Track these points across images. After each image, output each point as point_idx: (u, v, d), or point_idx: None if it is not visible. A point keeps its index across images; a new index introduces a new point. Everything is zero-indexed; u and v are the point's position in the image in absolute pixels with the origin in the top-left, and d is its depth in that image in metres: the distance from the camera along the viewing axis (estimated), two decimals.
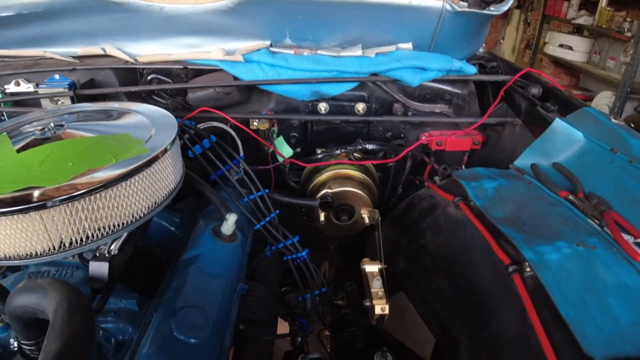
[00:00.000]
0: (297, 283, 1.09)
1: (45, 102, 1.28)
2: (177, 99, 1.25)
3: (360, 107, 1.26)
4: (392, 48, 1.21)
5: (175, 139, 0.86)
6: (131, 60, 1.23)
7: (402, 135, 1.32)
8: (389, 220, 1.29)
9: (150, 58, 1.22)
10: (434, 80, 1.24)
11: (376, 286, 1.04)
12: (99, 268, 0.75)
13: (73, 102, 1.23)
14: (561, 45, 4.79)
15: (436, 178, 1.24)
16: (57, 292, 0.62)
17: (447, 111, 1.27)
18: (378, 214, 1.15)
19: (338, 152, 1.20)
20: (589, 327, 0.65)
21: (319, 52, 1.23)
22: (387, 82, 1.24)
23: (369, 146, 1.21)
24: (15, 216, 0.67)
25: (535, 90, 1.20)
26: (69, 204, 0.69)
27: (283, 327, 1.33)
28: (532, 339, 0.69)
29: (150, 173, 0.79)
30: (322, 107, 1.24)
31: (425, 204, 1.17)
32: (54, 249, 0.72)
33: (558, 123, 1.07)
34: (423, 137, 1.29)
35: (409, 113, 1.29)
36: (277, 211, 1.07)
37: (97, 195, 0.71)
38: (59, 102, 1.26)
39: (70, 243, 0.72)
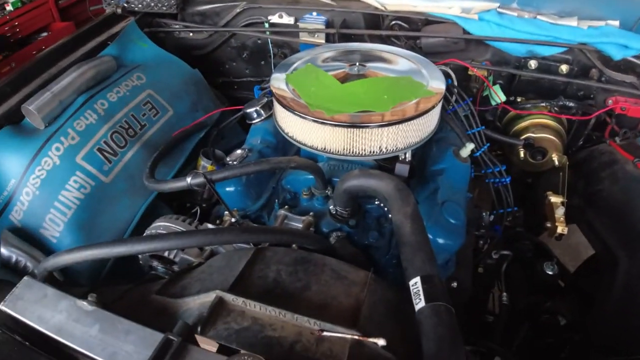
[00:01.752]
0: (494, 203, 1.51)
1: (303, 35, 1.71)
2: (409, 42, 1.63)
3: (564, 68, 1.56)
4: (602, 23, 1.48)
5: (445, 84, 1.26)
6: (380, 7, 1.61)
7: (591, 96, 1.61)
8: (569, 164, 1.64)
9: (398, 7, 1.60)
10: None
11: (559, 213, 1.44)
12: (403, 168, 1.21)
13: (327, 38, 1.65)
14: None
15: (617, 138, 1.56)
16: (391, 180, 1.06)
17: (636, 82, 1.54)
18: (566, 159, 1.51)
19: (543, 104, 1.55)
20: None
21: (538, 17, 1.53)
22: (591, 51, 1.52)
23: (569, 103, 1.54)
24: (363, 130, 1.13)
25: None
26: (395, 126, 1.13)
27: None
28: None
29: (437, 108, 1.21)
30: (532, 63, 1.56)
31: (606, 157, 1.51)
32: (378, 152, 1.18)
33: None
34: (610, 102, 1.58)
35: (603, 78, 1.57)
36: (488, 144, 1.47)
37: (411, 121, 1.15)
38: (316, 36, 1.68)
39: (387, 149, 1.18)
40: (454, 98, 1.43)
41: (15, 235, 1.29)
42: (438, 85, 1.26)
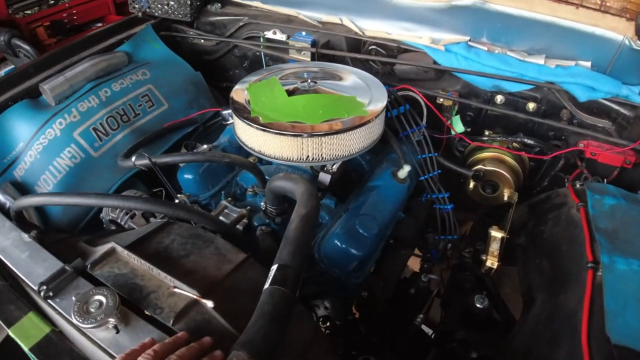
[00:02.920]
0: (438, 227, 1.63)
1: (292, 52, 1.94)
2: (386, 67, 1.80)
3: (531, 105, 1.64)
4: (571, 63, 1.55)
5: (384, 107, 1.42)
6: (360, 32, 1.81)
7: (562, 137, 1.67)
8: (528, 203, 1.70)
9: (374, 33, 1.78)
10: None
11: (494, 247, 1.52)
12: (324, 177, 1.38)
13: (312, 56, 1.87)
14: None
15: (577, 182, 1.60)
16: (304, 184, 1.24)
17: (609, 127, 1.58)
18: (517, 196, 1.58)
19: (500, 138, 1.64)
20: (619, 320, 1.03)
21: (507, 52, 1.63)
22: (560, 91, 1.59)
23: (528, 141, 1.62)
24: (289, 137, 1.32)
25: None
26: (318, 137, 1.31)
27: (414, 263, 1.89)
28: (579, 315, 1.09)
29: (366, 128, 1.37)
30: (499, 98, 1.66)
31: (559, 200, 1.56)
32: (302, 159, 1.37)
33: None
34: (581, 145, 1.62)
35: (574, 121, 1.63)
36: (439, 171, 1.59)
37: (334, 136, 1.32)
38: (302, 53, 1.91)
39: (312, 158, 1.36)
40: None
41: (14, 188, 1.63)
42: (378, 106, 1.43)
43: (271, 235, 1.39)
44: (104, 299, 0.92)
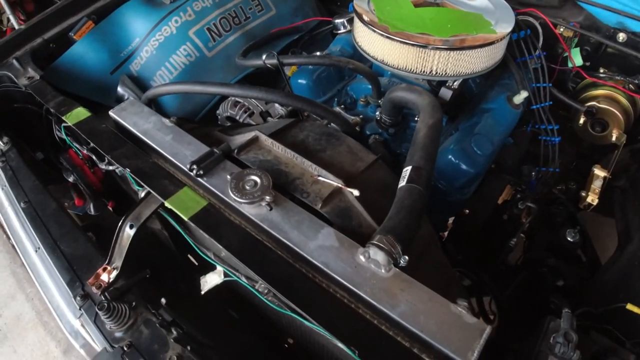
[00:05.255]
0: (540, 158, 1.64)
1: None
2: None
3: None
4: None
5: (511, 30, 1.40)
6: None
7: None
8: (632, 148, 1.69)
9: None
10: None
11: (596, 185, 1.54)
12: (446, 93, 1.41)
13: None
14: None
15: None
16: (429, 96, 1.26)
17: None
18: (625, 137, 1.57)
19: (619, 78, 1.60)
20: None
21: None
22: None
23: None
24: (416, 48, 1.33)
25: None
26: (446, 51, 1.32)
27: None
28: None
29: (492, 48, 1.37)
30: (621, 36, 1.60)
31: None
32: (426, 72, 1.39)
33: None
34: None
35: None
36: (551, 102, 1.59)
37: (461, 51, 1.33)
38: None
39: (436, 72, 1.38)
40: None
41: (131, 81, 1.72)
42: (504, 29, 1.41)
43: (383, 144, 1.45)
44: (258, 179, 1.01)
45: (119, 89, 1.70)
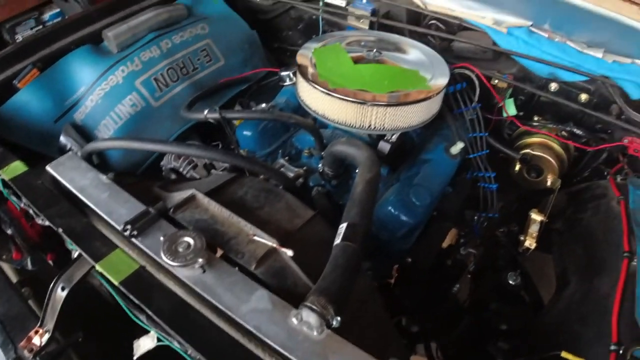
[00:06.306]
0: (479, 204, 1.70)
1: (350, 18, 1.96)
2: (444, 43, 1.84)
3: (584, 97, 1.68)
4: (629, 60, 1.58)
5: (446, 84, 1.47)
6: (422, 5, 1.83)
7: (608, 131, 1.72)
8: (568, 191, 1.77)
9: (437, 8, 1.80)
10: None
11: (533, 229, 1.60)
12: (384, 146, 1.45)
13: (371, 24, 1.90)
14: None
15: (618, 176, 1.66)
16: (367, 150, 1.31)
17: None
18: (559, 182, 1.65)
19: (552, 125, 1.69)
20: None
21: (567, 42, 1.66)
22: (613, 86, 1.63)
23: (577, 131, 1.67)
24: (354, 104, 1.38)
25: None
26: (383, 107, 1.38)
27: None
28: (611, 299, 1.17)
29: (429, 103, 1.43)
30: (553, 86, 1.70)
31: (600, 191, 1.63)
32: (365, 127, 1.43)
33: None
34: (625, 140, 1.67)
35: (622, 116, 1.67)
36: (487, 150, 1.66)
37: (398, 107, 1.38)
38: (361, 21, 1.93)
39: (375, 127, 1.43)
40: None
41: (75, 130, 1.70)
42: (440, 82, 1.48)
43: (326, 196, 1.47)
44: (192, 240, 1.00)
45: (62, 139, 1.67)
